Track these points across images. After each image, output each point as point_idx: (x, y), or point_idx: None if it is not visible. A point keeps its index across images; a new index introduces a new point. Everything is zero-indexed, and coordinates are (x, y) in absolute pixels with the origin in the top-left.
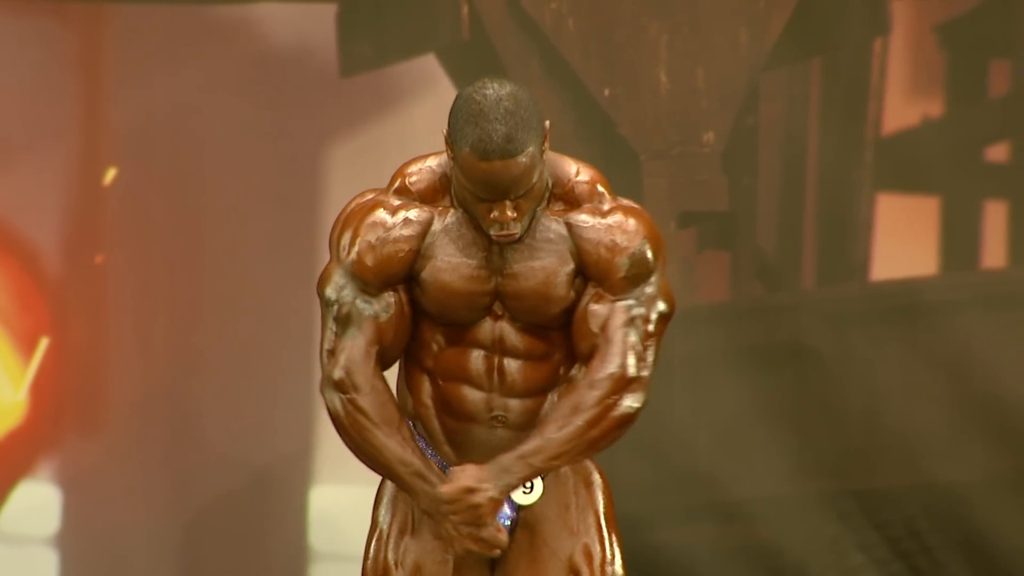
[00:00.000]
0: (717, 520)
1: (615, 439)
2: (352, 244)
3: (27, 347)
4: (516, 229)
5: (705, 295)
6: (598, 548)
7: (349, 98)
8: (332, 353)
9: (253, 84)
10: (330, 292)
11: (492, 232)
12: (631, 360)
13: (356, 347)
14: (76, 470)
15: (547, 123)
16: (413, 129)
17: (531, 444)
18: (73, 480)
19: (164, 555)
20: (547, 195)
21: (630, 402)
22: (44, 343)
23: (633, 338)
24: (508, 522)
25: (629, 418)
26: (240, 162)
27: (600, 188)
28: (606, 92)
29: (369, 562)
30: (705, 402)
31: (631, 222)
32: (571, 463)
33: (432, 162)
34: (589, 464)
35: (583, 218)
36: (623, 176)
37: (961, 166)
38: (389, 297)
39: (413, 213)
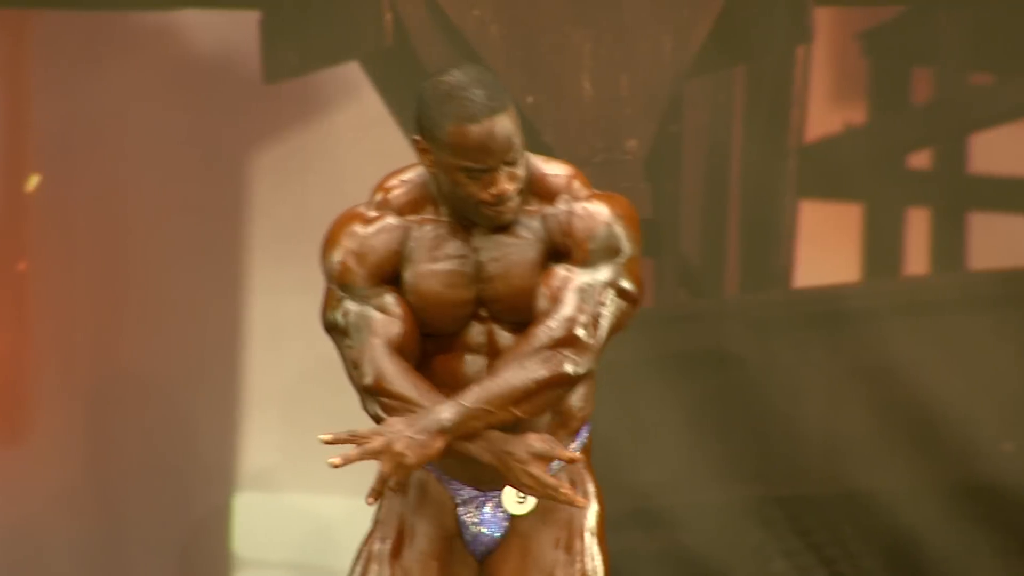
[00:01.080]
0: (641, 527)
1: (549, 401)
2: (336, 257)
3: None
4: (513, 202)
5: None
6: (578, 564)
7: (273, 105)
8: (356, 365)
9: (177, 91)
10: (332, 314)
11: (491, 210)
12: (579, 323)
13: (374, 347)
14: None
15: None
16: (337, 136)
17: (469, 389)
18: None
19: (88, 563)
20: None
21: (569, 363)
22: None
23: (585, 304)
24: (499, 531)
25: (566, 378)
26: (164, 169)
27: (577, 182)
28: (529, 99)
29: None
30: (629, 409)
31: (604, 204)
32: (502, 413)
33: (410, 174)
34: (587, 477)
35: (558, 207)
36: None
37: (884, 173)
38: (386, 295)
39: (391, 221)
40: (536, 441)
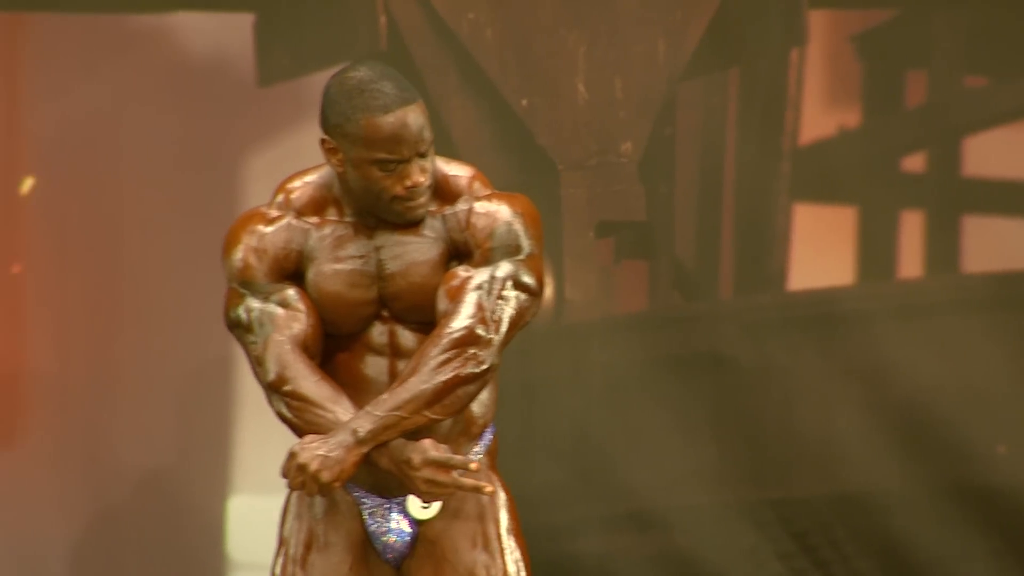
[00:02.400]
0: (635, 529)
1: (461, 400)
2: (237, 255)
3: None
4: (425, 197)
5: (623, 305)
6: (499, 561)
7: (267, 107)
8: (260, 362)
9: (171, 93)
10: (234, 312)
11: (404, 205)
12: (479, 320)
13: (276, 344)
14: None
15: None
16: None
17: (379, 399)
18: None
19: (82, 565)
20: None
21: (473, 362)
22: None
23: (485, 301)
24: (408, 537)
25: (471, 377)
26: (158, 171)
27: (478, 183)
28: (524, 102)
29: None
30: (623, 411)
31: (504, 203)
32: (416, 418)
33: (312, 176)
34: (493, 476)
35: (458, 207)
36: (541, 186)
37: (877, 176)
38: (288, 291)
39: (291, 221)
40: (431, 448)
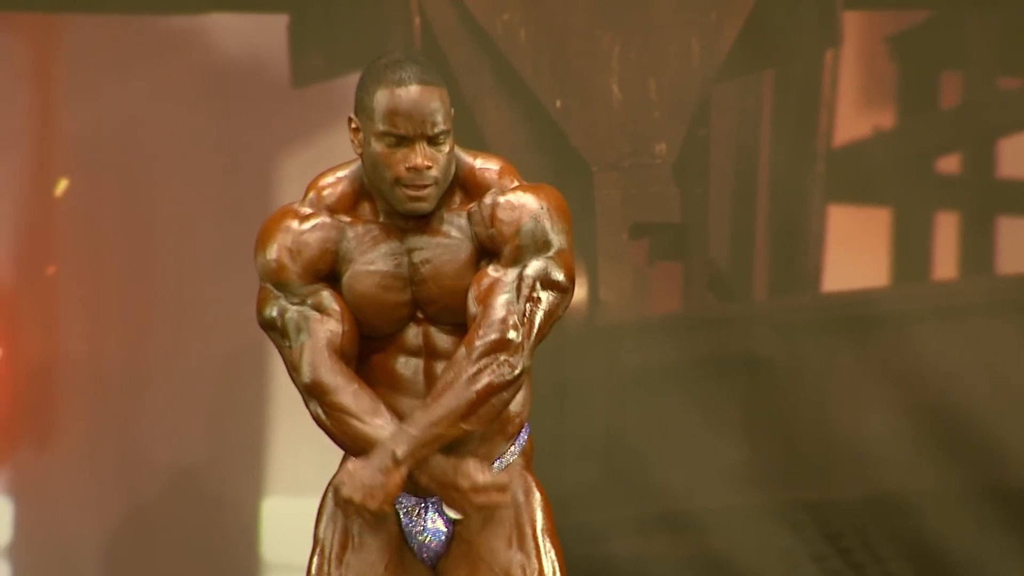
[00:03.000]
0: (669, 531)
1: (495, 408)
2: (271, 254)
3: None
4: (430, 186)
5: (657, 306)
6: (535, 562)
7: (301, 109)
8: (295, 365)
9: (205, 95)
10: (268, 312)
11: (407, 192)
12: (509, 325)
13: (313, 349)
14: (28, 481)
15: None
16: None
17: (414, 415)
18: (25, 491)
19: (117, 566)
20: (451, 178)
21: (506, 368)
22: None
23: (514, 304)
24: (443, 537)
25: (504, 385)
26: (192, 173)
27: (507, 176)
28: (558, 103)
29: None
30: (657, 413)
31: (530, 195)
32: (453, 431)
33: (344, 172)
34: (528, 477)
35: (484, 201)
36: (575, 188)
37: (912, 177)
38: (323, 292)
39: (324, 219)
40: (476, 471)
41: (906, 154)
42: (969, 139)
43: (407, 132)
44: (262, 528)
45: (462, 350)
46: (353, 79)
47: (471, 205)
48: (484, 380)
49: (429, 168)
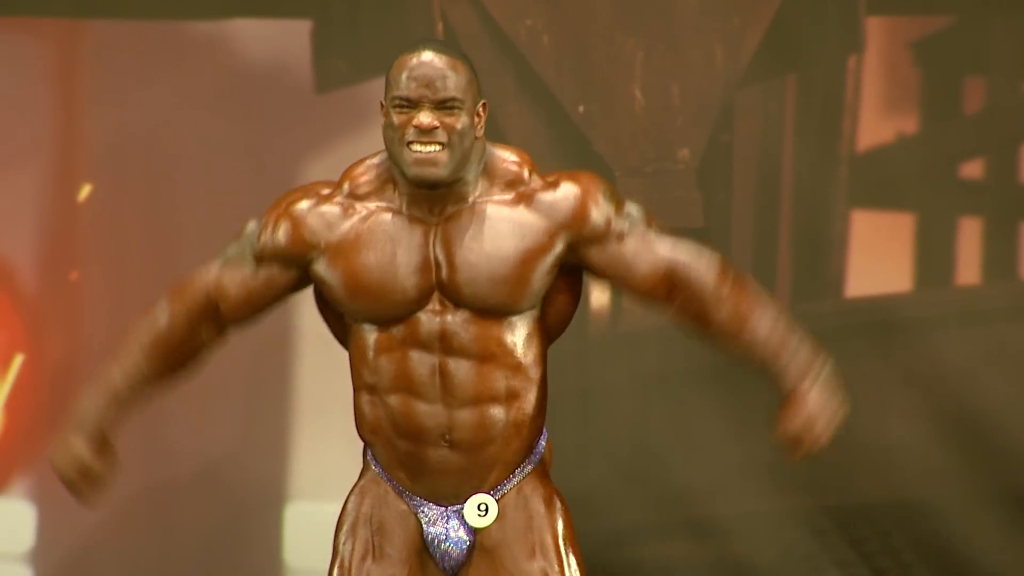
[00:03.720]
0: (693, 536)
1: (753, 284)
2: (271, 219)
3: (1, 364)
4: (439, 149)
5: None
6: (557, 570)
7: (324, 114)
8: (202, 268)
9: (228, 100)
10: (233, 242)
11: (413, 155)
12: (680, 250)
13: (207, 278)
14: (51, 487)
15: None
16: None
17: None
18: (48, 497)
19: (139, 572)
20: (481, 163)
21: (715, 255)
22: (19, 360)
23: (664, 242)
24: (465, 546)
25: (724, 260)
26: (215, 178)
27: (527, 169)
28: (581, 109)
29: None
30: (680, 418)
31: (572, 182)
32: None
33: (375, 159)
34: (548, 484)
35: (543, 198)
36: None
37: (935, 183)
38: (270, 269)
39: (334, 210)
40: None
41: (929, 159)
42: (992, 144)
43: (416, 95)
44: (286, 533)
45: (713, 300)
46: (376, 84)
47: (493, 192)
48: (741, 287)
49: (436, 128)
